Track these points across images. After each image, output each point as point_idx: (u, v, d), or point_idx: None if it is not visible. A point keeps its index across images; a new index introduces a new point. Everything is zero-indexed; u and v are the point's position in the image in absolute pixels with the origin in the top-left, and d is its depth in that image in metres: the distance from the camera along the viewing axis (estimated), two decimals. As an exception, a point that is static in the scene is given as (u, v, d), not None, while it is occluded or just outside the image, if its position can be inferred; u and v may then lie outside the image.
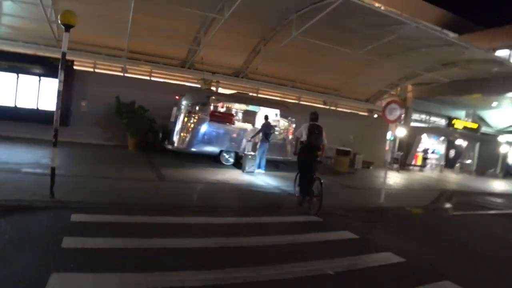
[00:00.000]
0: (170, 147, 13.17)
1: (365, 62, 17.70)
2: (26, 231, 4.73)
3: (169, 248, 4.72)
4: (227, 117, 13.44)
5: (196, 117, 12.92)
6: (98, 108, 15.33)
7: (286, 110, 15.07)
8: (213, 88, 17.84)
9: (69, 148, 13.05)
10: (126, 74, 16.72)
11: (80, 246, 4.39)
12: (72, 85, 14.86)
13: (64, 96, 14.50)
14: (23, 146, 11.85)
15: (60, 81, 6.29)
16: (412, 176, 20.15)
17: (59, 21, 6.35)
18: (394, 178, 17.16)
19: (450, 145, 30.13)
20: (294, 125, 15.06)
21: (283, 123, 14.87)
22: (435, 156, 28.70)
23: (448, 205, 11.97)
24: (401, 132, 23.47)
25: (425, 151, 27.03)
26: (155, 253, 4.50)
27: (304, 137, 8.10)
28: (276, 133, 14.16)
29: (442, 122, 30.63)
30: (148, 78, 17.41)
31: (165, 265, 4.19)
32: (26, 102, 14.08)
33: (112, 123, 15.11)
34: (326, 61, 17.03)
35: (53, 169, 6.28)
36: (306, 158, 8.13)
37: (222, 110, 13.66)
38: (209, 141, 13.15)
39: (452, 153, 30.40)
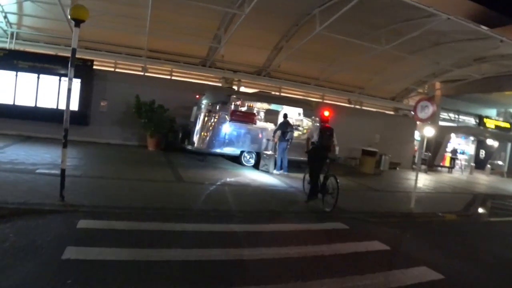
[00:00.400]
0: (190, 147, 12.83)
1: (391, 58, 16.97)
2: (29, 238, 4.39)
3: (181, 261, 4.29)
4: (248, 117, 13.02)
5: (217, 117, 12.55)
6: (118, 107, 15.19)
7: (309, 109, 14.48)
8: (235, 87, 17.44)
9: (88, 148, 12.92)
10: (146, 74, 16.51)
11: (83, 257, 4.00)
12: (91, 85, 14.76)
13: (84, 96, 14.56)
14: (42, 146, 11.71)
15: (69, 79, 5.94)
16: (441, 178, 19.24)
17: (69, 16, 6.02)
18: (423, 180, 16.38)
19: (479, 145, 28.92)
20: (318, 125, 14.47)
21: (306, 122, 14.31)
22: (464, 156, 27.60)
23: (483, 211, 11.22)
24: (429, 131, 22.53)
25: (454, 152, 25.92)
26: (165, 267, 4.08)
27: (315, 138, 8.47)
28: (299, 132, 13.65)
29: (471, 121, 29.41)
30: (168, 77, 17.16)
31: (175, 281, 3.78)
32: (47, 102, 14.00)
33: (132, 122, 14.92)
34: (351, 57, 16.36)
35: (63, 171, 5.98)
36: (317, 158, 8.48)
37: (243, 109, 13.23)
38: (229, 141, 12.75)
39: (482, 153, 29.17)
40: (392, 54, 15.92)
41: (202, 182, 9.20)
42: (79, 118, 14.46)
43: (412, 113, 24.05)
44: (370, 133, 20.39)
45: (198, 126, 12.80)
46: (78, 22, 5.86)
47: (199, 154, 13.03)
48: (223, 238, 5.43)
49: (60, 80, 14.16)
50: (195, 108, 13.93)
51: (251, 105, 13.45)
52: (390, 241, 6.13)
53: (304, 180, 9.18)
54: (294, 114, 14.32)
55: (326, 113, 9.05)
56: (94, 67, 15.10)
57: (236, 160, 13.18)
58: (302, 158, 13.83)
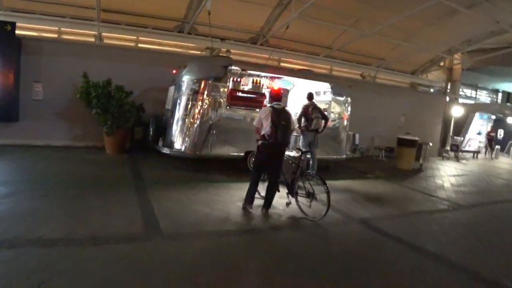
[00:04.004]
0: (166, 151, 8.33)
1: (431, 18, 12.77)
2: None
3: None
4: (255, 99, 8.58)
5: (207, 101, 8.06)
6: (60, 93, 10.61)
7: (340, 85, 10.13)
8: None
9: (12, 156, 8.40)
10: (101, 43, 11.81)
11: None
12: (17, 61, 10.01)
13: (5, 78, 9.75)
14: None
15: None
16: (482, 168, 15.52)
17: None
18: (467, 173, 12.91)
19: (497, 124, 25.55)
20: (349, 108, 10.25)
21: (334, 105, 9.97)
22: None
23: None
24: (457, 111, 18.72)
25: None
26: None
27: (267, 130, 5.75)
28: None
29: (487, 97, 25.99)
30: (133, 47, 12.43)
31: None
32: None
33: (83, 114, 10.38)
34: (379, 16, 12.04)
35: None
36: (271, 158, 5.94)
37: (247, 88, 8.81)
38: (228, 138, 8.32)
39: (500, 133, 25.86)
40: (431, 14, 11.82)
41: (194, 232, 4.73)
42: (2, 110, 9.80)
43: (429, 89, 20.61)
44: (393, 114, 16.39)
45: (177, 117, 8.32)
46: None
47: (183, 159, 8.59)
48: None
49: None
50: (172, 89, 9.40)
51: (258, 81, 9.00)
52: None
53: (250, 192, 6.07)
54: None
55: (276, 87, 6.63)
56: (23, 34, 10.42)
57: (239, 164, 8.78)
58: (328, 156, 9.77)
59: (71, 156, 9.22)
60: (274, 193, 5.97)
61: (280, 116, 5.71)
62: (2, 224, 4.27)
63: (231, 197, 6.53)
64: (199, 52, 13.32)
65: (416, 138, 12.60)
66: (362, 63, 16.47)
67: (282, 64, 14.74)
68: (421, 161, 13.06)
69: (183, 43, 12.85)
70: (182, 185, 7.13)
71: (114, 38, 12.13)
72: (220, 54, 13.21)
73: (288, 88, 10.70)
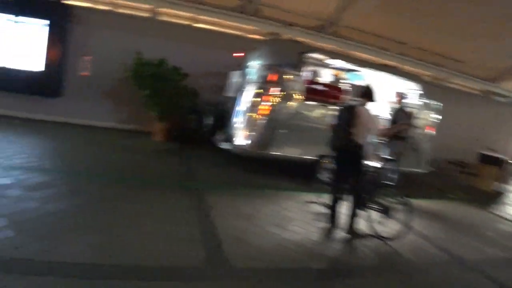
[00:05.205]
0: (226, 146, 7.09)
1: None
2: None
3: None
4: (335, 95, 7.15)
5: (278, 92, 6.73)
6: (110, 70, 9.57)
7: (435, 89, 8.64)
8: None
9: (51, 134, 7.49)
10: (155, 18, 10.75)
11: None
12: (65, 32, 9.05)
13: (54, 49, 8.71)
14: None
15: None
16: None
17: None
18: None
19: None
20: (439, 117, 8.72)
21: (424, 111, 8.40)
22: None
23: None
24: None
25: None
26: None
27: None
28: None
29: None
30: (189, 25, 11.28)
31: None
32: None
33: (131, 95, 9.35)
34: (475, 11, 10.33)
35: None
36: (339, 165, 4.94)
37: (327, 80, 7.45)
38: (299, 137, 6.95)
39: None
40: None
41: (271, 269, 3.43)
42: (46, 85, 8.91)
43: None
44: (466, 125, 14.54)
45: (241, 107, 7.07)
46: None
47: (245, 158, 7.33)
48: None
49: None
50: (236, 75, 8.16)
51: (337, 73, 7.61)
52: None
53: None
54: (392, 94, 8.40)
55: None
56: (74, 4, 9.49)
57: (304, 171, 7.32)
58: (404, 169, 8.23)
59: (114, 141, 8.24)
60: (354, 210, 4.83)
61: (340, 115, 4.88)
62: (16, 235, 3.15)
63: (306, 214, 5.23)
64: (259, 37, 12.02)
65: (504, 157, 10.85)
66: (435, 64, 14.65)
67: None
68: (500, 181, 11.28)
69: (243, 25, 11.58)
70: (246, 193, 5.90)
71: (170, 14, 11.03)
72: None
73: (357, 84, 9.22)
